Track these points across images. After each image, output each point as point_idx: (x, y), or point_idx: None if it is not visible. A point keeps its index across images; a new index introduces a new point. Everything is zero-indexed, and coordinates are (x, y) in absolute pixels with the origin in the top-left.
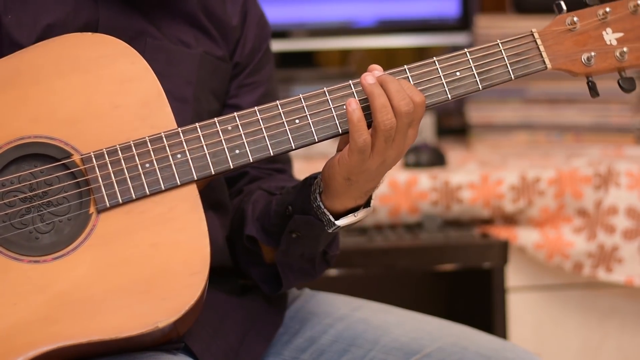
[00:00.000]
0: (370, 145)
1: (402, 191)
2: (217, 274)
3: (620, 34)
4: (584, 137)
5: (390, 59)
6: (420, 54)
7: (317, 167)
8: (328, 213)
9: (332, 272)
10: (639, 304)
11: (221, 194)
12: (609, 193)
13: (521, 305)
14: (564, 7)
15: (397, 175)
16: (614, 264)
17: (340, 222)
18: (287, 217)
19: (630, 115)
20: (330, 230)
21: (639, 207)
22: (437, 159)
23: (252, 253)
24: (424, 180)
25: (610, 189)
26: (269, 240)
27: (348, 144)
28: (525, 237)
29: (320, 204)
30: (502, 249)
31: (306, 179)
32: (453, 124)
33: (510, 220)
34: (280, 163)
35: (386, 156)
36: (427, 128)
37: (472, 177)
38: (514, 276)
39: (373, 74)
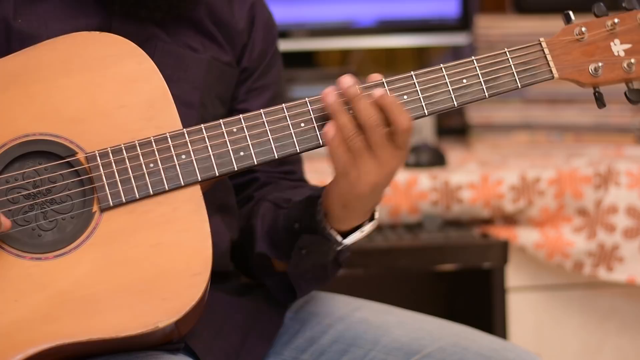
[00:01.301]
0: (350, 166)
1: (402, 191)
2: (219, 276)
3: (629, 46)
4: (584, 137)
5: (390, 59)
6: (420, 54)
7: (318, 167)
8: (334, 234)
9: None
10: (639, 304)
11: (227, 196)
12: (609, 192)
13: (521, 305)
14: (572, 17)
15: (397, 175)
16: (614, 263)
17: (348, 241)
18: (295, 234)
19: (630, 115)
20: (338, 249)
21: (639, 206)
22: (437, 159)
23: (265, 266)
24: (424, 180)
25: (610, 189)
26: (279, 255)
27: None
28: (525, 237)
29: (326, 225)
30: (502, 249)
31: (310, 197)
32: (453, 124)
33: (510, 220)
34: (289, 164)
35: (376, 178)
36: (427, 128)
37: (472, 177)
38: (514, 276)
39: (333, 93)
